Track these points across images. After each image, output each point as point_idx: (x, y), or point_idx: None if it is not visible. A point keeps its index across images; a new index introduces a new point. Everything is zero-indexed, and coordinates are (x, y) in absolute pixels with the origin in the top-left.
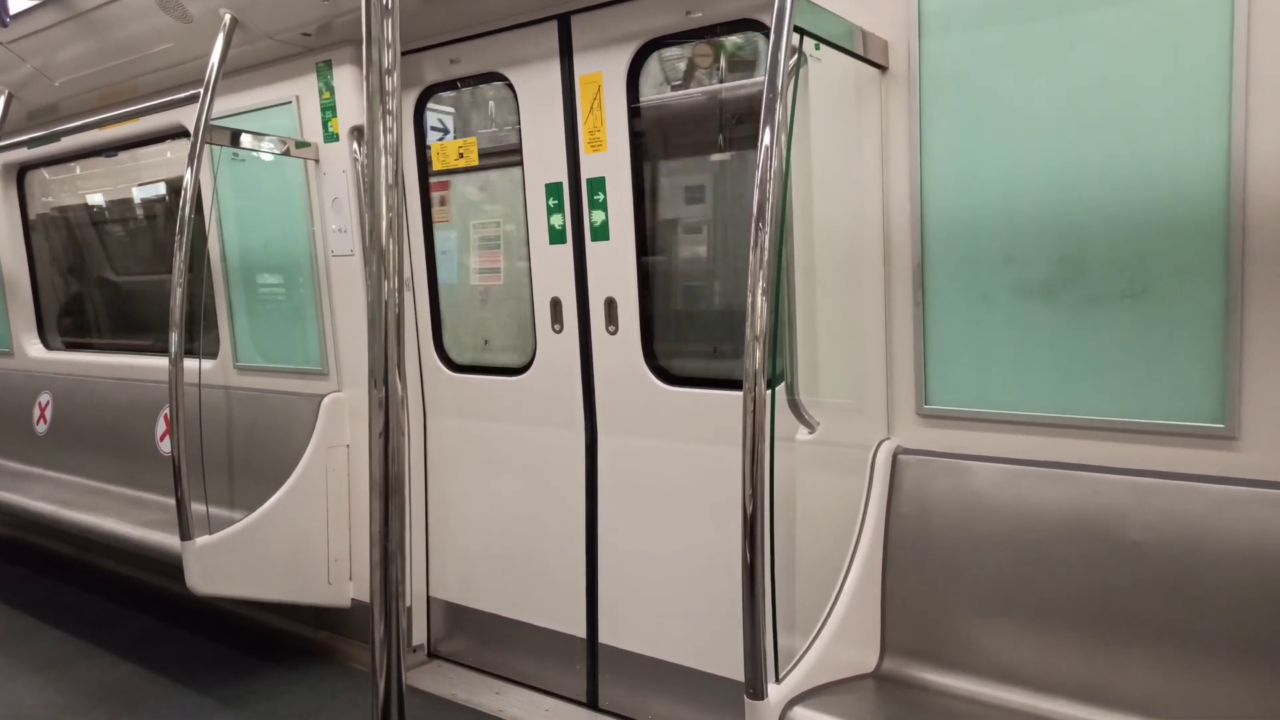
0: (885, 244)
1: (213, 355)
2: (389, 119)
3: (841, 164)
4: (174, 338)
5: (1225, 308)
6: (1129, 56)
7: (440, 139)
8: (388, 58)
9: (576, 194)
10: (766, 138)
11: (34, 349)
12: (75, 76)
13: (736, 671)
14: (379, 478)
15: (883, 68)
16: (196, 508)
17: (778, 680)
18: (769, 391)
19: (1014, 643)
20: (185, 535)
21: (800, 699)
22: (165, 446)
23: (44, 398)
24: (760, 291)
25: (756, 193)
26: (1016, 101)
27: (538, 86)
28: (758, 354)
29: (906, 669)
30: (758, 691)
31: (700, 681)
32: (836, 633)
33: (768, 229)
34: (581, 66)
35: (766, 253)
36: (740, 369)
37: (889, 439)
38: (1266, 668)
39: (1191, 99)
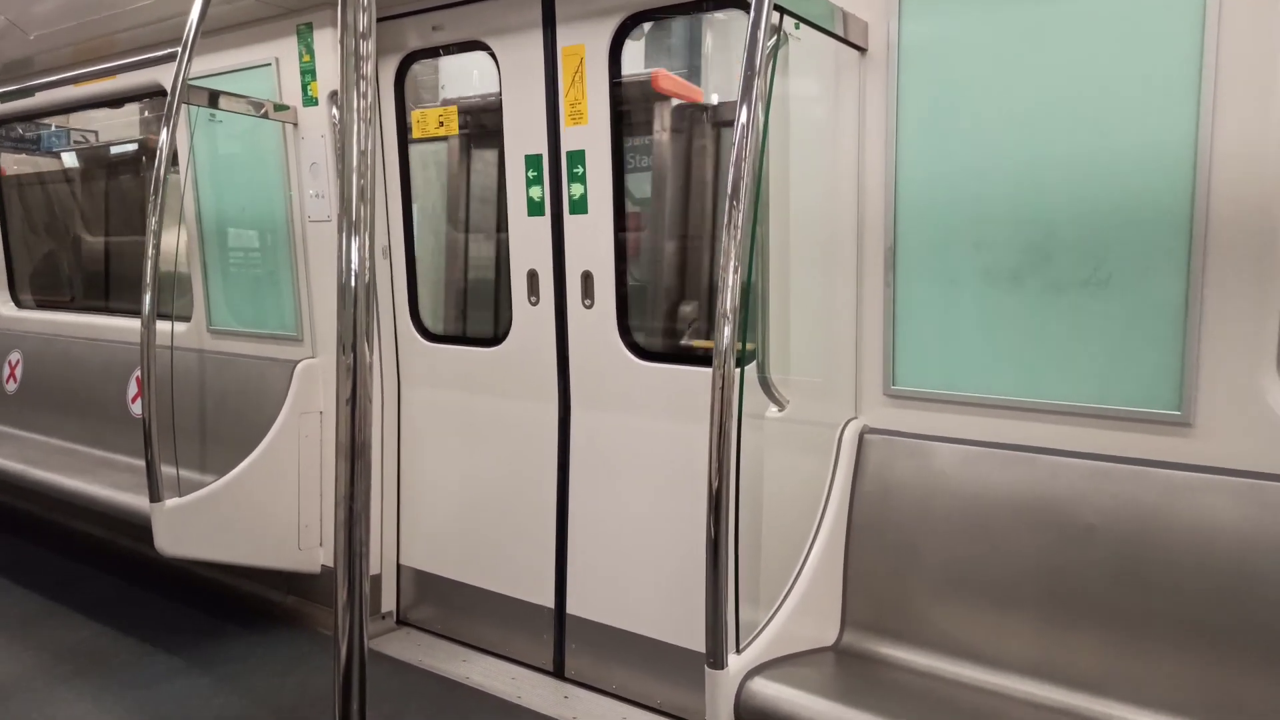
0: (859, 225)
1: (186, 318)
2: (363, 84)
3: (818, 145)
4: (147, 299)
5: (1185, 298)
6: (1102, 48)
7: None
8: (363, 21)
9: (556, 166)
10: (744, 116)
11: (4, 307)
12: (50, 30)
13: (699, 643)
14: (345, 441)
15: (862, 50)
16: (167, 470)
17: (738, 651)
18: (738, 369)
19: (970, 620)
20: (155, 497)
21: (759, 670)
22: (137, 408)
23: (14, 356)
24: (732, 269)
25: (732, 171)
26: (991, 89)
27: (520, 57)
28: (727, 331)
29: (865, 643)
30: (718, 661)
31: (665, 652)
32: (798, 607)
33: (742, 207)
34: (564, 38)
35: (740, 231)
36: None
37: (856, 418)
38: (1212, 650)
39: (1161, 92)
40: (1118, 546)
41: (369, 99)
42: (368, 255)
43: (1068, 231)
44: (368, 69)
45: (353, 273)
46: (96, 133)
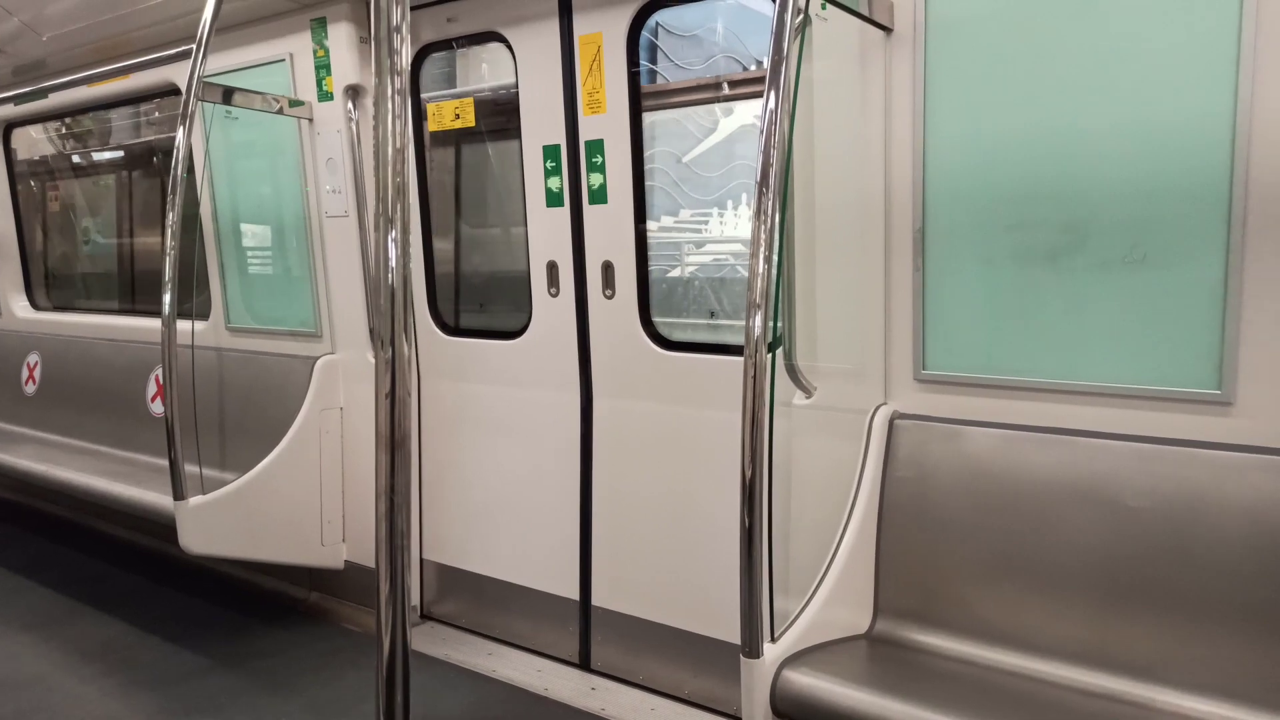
0: (886, 208)
1: (204, 317)
2: (398, 79)
3: (844, 128)
4: (167, 298)
5: (1225, 275)
6: (1138, 20)
7: None
8: (396, 13)
9: (575, 156)
10: (771, 102)
11: (22, 309)
12: (64, 31)
13: (726, 633)
14: (385, 433)
15: (888, 29)
16: (189, 468)
17: (773, 640)
18: (770, 357)
19: (1007, 605)
20: (179, 495)
21: (794, 659)
22: (156, 408)
23: (33, 358)
24: (763, 257)
25: (760, 158)
26: (1023, 65)
27: (536, 46)
28: (758, 319)
29: (899, 630)
30: (753, 650)
31: (692, 643)
32: (831, 594)
33: (771, 194)
34: (581, 26)
35: (770, 219)
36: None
37: (886, 404)
38: (1260, 631)
39: (1200, 65)
40: (1160, 528)
41: (404, 94)
42: (403, 252)
43: (1102, 210)
44: (402, 62)
45: (390, 269)
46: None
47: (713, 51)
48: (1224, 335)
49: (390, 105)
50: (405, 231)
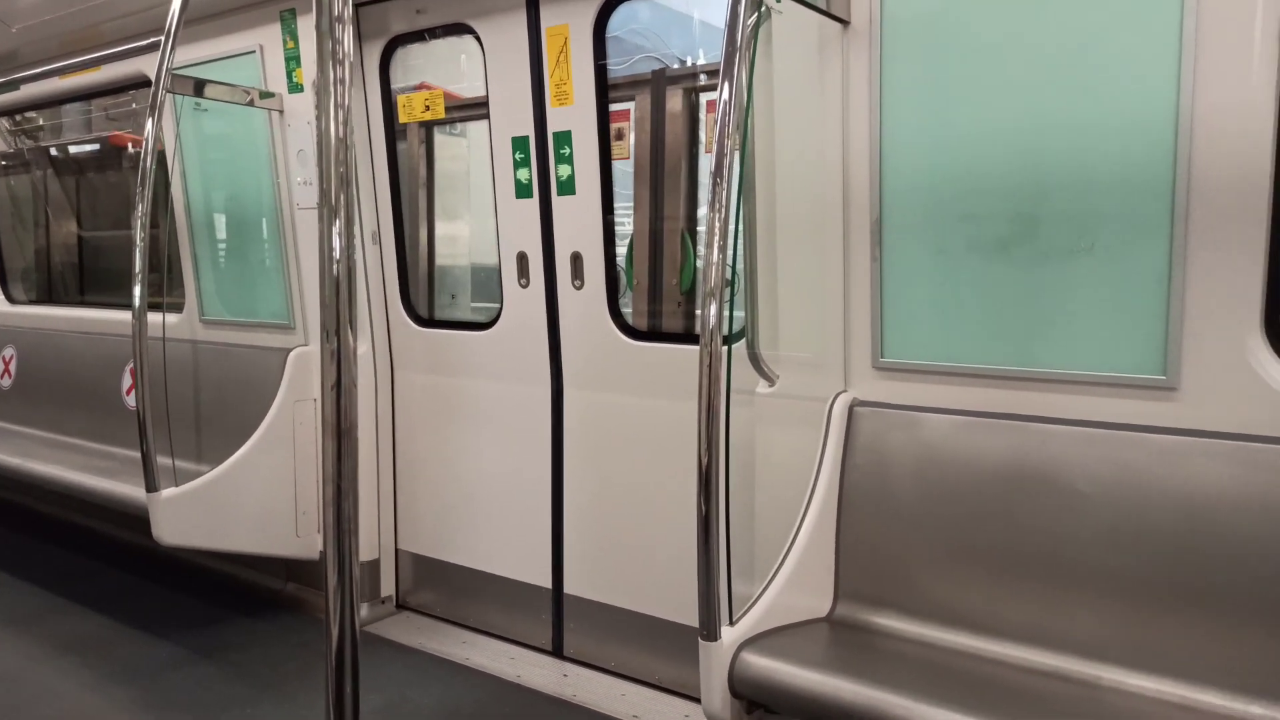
0: (844, 200)
1: (178, 309)
2: (340, 70)
3: (803, 120)
4: (137, 291)
5: (1169, 264)
6: (1087, 18)
7: None
8: (338, 6)
9: (543, 148)
10: (725, 93)
11: None
12: (34, 22)
13: (694, 618)
14: (331, 421)
15: (845, 22)
16: (162, 460)
17: (731, 623)
18: (725, 346)
19: (964, 588)
20: (151, 487)
21: (752, 641)
22: (131, 400)
23: (8, 352)
24: (717, 247)
25: (715, 149)
26: (976, 60)
27: (504, 39)
28: (714, 309)
29: (859, 614)
30: (711, 633)
31: (662, 629)
32: (790, 579)
33: (725, 185)
34: (548, 18)
35: (725, 210)
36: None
37: (845, 391)
38: (1204, 611)
39: (1145, 60)
40: (1109, 511)
41: (347, 84)
42: (347, 242)
43: (1053, 201)
44: (344, 54)
45: (334, 259)
46: None
47: (633, 53)
48: (1169, 322)
49: (333, 95)
50: (349, 222)
